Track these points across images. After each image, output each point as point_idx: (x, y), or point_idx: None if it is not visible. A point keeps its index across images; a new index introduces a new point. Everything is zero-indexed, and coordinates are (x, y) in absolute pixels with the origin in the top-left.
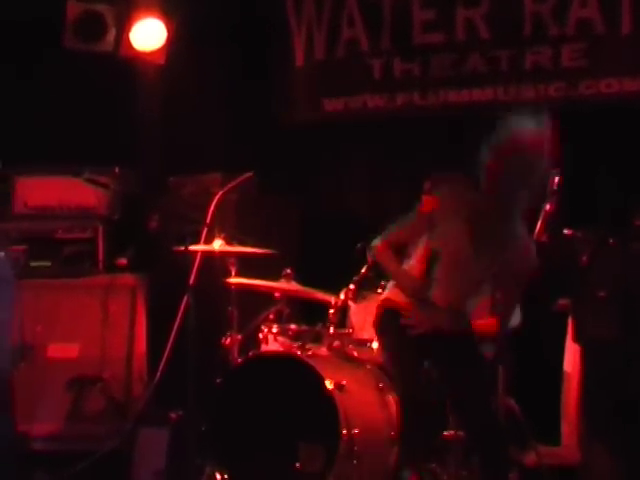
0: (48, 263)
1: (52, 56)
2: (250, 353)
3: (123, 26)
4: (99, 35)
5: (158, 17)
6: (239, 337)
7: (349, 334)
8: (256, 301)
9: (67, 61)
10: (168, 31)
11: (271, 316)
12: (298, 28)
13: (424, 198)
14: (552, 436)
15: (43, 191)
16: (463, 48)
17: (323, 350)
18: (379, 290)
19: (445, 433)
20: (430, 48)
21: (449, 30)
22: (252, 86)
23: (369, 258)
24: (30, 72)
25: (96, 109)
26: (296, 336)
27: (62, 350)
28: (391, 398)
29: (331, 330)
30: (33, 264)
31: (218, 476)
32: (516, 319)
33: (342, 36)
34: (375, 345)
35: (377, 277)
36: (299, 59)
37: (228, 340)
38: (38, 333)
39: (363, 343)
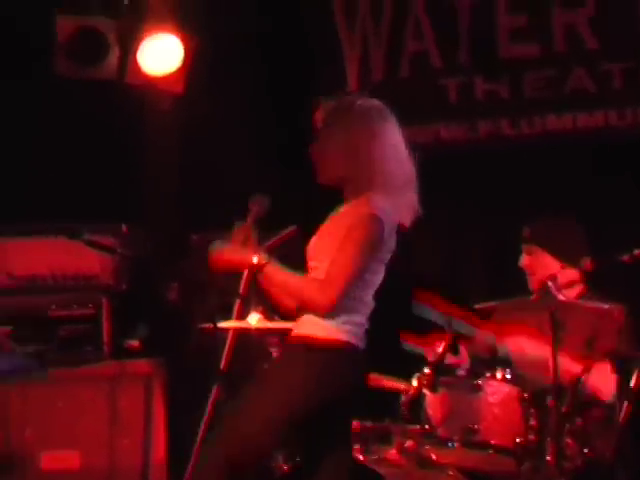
0: (40, 348)
1: (40, 86)
2: (298, 458)
3: (129, 45)
4: (98, 58)
5: (173, 33)
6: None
7: (425, 431)
8: None
9: (58, 91)
10: (186, 50)
11: None
12: (350, 43)
13: (525, 249)
14: None
15: (31, 257)
16: (563, 62)
17: (393, 453)
18: (462, 375)
19: None
20: (521, 63)
21: (545, 40)
22: (291, 120)
23: (448, 334)
24: (11, 104)
25: (97, 152)
26: (358, 435)
27: (60, 460)
28: None
29: (402, 427)
30: (20, 351)
31: None
32: None
33: (407, 50)
34: (459, 445)
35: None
36: (352, 82)
37: None
38: (28, 439)
39: (443, 443)
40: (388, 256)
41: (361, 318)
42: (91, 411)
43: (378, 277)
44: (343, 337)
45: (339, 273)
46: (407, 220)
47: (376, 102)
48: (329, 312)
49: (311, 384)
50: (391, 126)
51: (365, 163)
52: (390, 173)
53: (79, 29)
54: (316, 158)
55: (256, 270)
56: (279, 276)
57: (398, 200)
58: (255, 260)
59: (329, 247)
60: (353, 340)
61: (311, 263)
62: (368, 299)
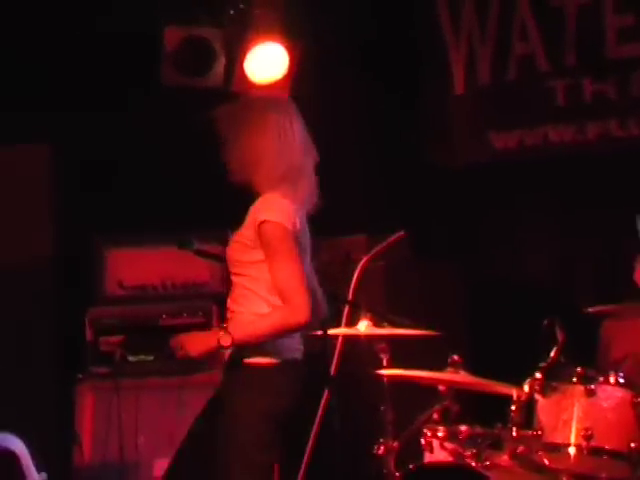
0: (151, 357)
1: (146, 96)
2: (411, 465)
3: (235, 54)
4: (205, 67)
5: (279, 41)
6: (396, 444)
7: (537, 437)
8: (416, 397)
9: (165, 101)
10: (291, 58)
11: (435, 416)
12: (456, 46)
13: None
14: None
15: (142, 266)
16: None
17: (505, 458)
18: (574, 379)
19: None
20: (629, 63)
21: None
22: (398, 123)
23: (560, 337)
24: (120, 116)
25: (202, 160)
26: (469, 441)
27: None
28: None
29: (514, 432)
30: (132, 359)
31: None
32: None
33: (513, 53)
34: (572, 450)
35: (571, 362)
36: (459, 86)
37: (382, 448)
38: (141, 446)
39: (556, 448)
40: (305, 246)
41: None
42: None
43: (306, 269)
44: (277, 359)
45: (291, 286)
46: (310, 207)
47: (267, 97)
48: (312, 320)
49: (259, 404)
50: (277, 117)
51: (255, 161)
52: (279, 167)
53: (186, 39)
54: (224, 160)
55: (228, 346)
56: (251, 333)
57: (294, 193)
58: (222, 341)
59: (240, 256)
60: (288, 356)
61: (232, 271)
62: None
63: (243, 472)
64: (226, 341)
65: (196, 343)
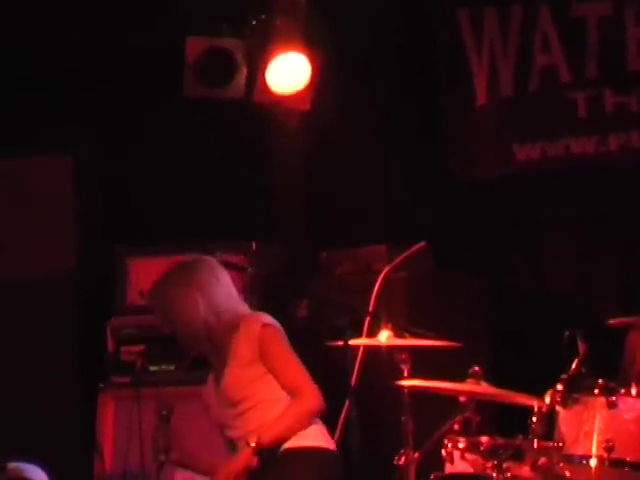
0: (172, 367)
1: (168, 107)
2: (432, 476)
3: (257, 65)
4: (227, 78)
5: (301, 51)
6: (416, 455)
7: (559, 448)
8: (436, 408)
9: (186, 112)
10: (314, 68)
11: (456, 427)
12: (478, 58)
13: None
14: None
15: None
16: None
17: (526, 470)
18: (595, 391)
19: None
20: None
21: None
22: (420, 135)
23: (582, 349)
24: (140, 127)
25: (225, 170)
26: (490, 452)
27: (193, 477)
28: None
29: (535, 443)
30: (153, 368)
31: None
32: None
33: (535, 65)
34: (593, 462)
35: (592, 374)
36: (481, 97)
37: (402, 459)
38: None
39: (578, 460)
40: None
41: None
42: None
43: None
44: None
45: (296, 377)
46: None
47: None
48: (323, 406)
49: None
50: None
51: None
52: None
53: (208, 50)
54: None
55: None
56: (276, 435)
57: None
58: (252, 453)
59: (244, 379)
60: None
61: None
62: None
63: None
64: (252, 451)
65: (235, 467)
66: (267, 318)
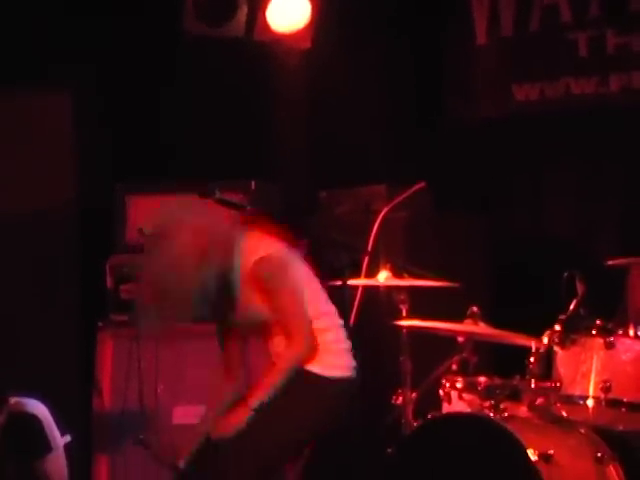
0: None
1: (167, 45)
2: (429, 415)
3: (257, 3)
4: (227, 16)
5: None
6: (414, 394)
7: (556, 388)
8: (434, 348)
9: (186, 49)
10: (314, 7)
11: (454, 367)
12: None
13: None
14: None
15: None
16: None
17: (523, 410)
18: (593, 331)
19: None
20: None
21: None
22: (420, 74)
23: (580, 290)
24: (139, 64)
25: (225, 109)
26: (487, 392)
27: (190, 414)
28: (613, 471)
29: (532, 384)
30: None
31: None
32: None
33: (536, 5)
34: (590, 402)
35: (591, 315)
36: (480, 36)
37: (400, 398)
38: (160, 394)
39: (575, 400)
40: (306, 268)
41: (334, 340)
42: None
43: (314, 287)
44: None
45: (288, 321)
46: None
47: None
48: (312, 350)
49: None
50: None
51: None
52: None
53: None
54: None
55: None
56: (270, 391)
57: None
58: (247, 411)
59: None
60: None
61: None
62: (324, 310)
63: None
64: (248, 410)
65: (227, 426)
66: (262, 249)
